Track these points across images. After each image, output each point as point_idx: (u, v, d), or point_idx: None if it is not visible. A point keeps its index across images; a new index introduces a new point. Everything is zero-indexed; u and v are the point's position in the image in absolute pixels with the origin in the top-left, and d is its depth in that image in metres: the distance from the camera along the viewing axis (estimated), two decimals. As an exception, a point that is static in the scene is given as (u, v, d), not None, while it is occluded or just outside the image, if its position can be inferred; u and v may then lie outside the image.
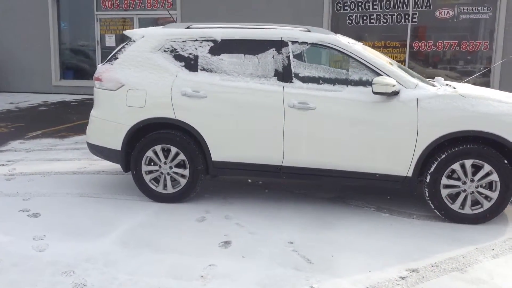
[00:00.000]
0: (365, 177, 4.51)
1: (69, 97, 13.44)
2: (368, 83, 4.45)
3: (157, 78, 4.74)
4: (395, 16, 11.52)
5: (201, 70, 4.72)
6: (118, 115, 4.81)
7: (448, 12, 11.17)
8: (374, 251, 3.80)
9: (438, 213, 4.42)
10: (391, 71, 4.43)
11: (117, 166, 6.04)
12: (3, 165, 6.23)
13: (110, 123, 4.85)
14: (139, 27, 13.48)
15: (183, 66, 4.75)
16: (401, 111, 4.33)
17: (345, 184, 4.76)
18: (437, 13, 11.25)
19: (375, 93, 4.27)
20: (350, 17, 11.86)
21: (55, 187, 5.28)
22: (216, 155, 4.68)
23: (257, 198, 5.00)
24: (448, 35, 11.32)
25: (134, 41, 4.93)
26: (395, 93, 4.32)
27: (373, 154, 4.41)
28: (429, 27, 11.45)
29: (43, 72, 14.27)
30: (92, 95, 5.18)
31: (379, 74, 4.41)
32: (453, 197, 4.38)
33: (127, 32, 5.11)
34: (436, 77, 5.00)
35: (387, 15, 11.59)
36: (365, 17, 11.75)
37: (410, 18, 11.44)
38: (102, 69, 4.92)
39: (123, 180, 5.59)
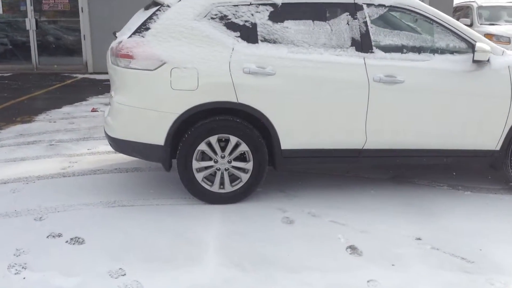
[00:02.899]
0: (452, 155, 4.13)
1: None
2: (455, 51, 4.01)
3: (209, 52, 3.79)
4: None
5: (262, 41, 3.87)
6: (160, 101, 3.79)
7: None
8: (505, 236, 3.45)
9: (522, 185, 4.20)
10: (478, 36, 4.02)
11: (111, 162, 4.95)
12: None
13: (148, 112, 3.81)
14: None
15: (238, 36, 3.85)
16: (494, 80, 3.98)
17: (424, 164, 4.33)
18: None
19: (475, 61, 3.85)
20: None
21: (60, 198, 4.08)
22: (286, 142, 3.93)
23: (316, 187, 4.36)
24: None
25: (168, 6, 3.88)
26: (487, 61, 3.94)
27: (463, 128, 4.03)
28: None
29: None
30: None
31: (465, 40, 3.99)
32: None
33: (156, -5, 4.04)
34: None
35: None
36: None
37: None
38: (131, 43, 3.81)
39: (136, 179, 4.54)
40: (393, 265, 3.08)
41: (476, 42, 3.93)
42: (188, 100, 3.76)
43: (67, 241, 3.36)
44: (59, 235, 3.44)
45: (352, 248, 3.28)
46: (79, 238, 3.40)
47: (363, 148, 4.00)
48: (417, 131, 3.99)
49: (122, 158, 5.13)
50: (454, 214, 3.83)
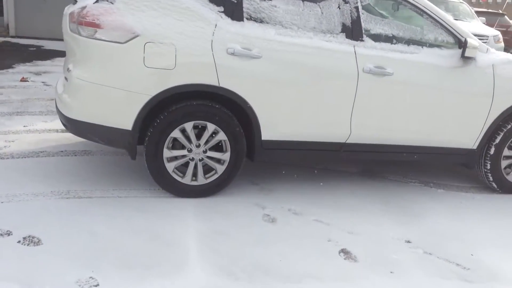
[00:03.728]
0: (431, 152, 4.02)
1: None
2: (443, 45, 3.87)
3: (189, 27, 3.34)
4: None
5: (247, 19, 3.49)
6: (131, 80, 3.30)
7: None
8: (490, 240, 3.40)
9: (495, 186, 4.20)
10: (466, 32, 3.90)
11: (54, 142, 4.37)
12: None
13: (115, 91, 3.30)
14: None
15: (222, 12, 3.44)
16: (478, 78, 3.90)
17: (401, 160, 4.20)
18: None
19: (464, 57, 3.73)
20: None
21: (1, 185, 3.49)
22: (268, 133, 3.60)
23: (290, 180, 4.09)
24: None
25: (143, -29, 3.37)
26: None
27: (445, 126, 3.93)
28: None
29: None
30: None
31: (453, 35, 3.86)
32: (507, 168, 4.21)
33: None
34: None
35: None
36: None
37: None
38: (98, 10, 3.27)
39: (88, 165, 4.01)
40: (391, 272, 2.90)
41: (464, 37, 3.80)
42: (164, 80, 3.31)
43: (19, 241, 2.83)
44: (8, 233, 2.90)
45: (345, 253, 3.06)
46: (33, 238, 2.88)
47: (346, 142, 3.77)
48: (401, 127, 3.83)
49: (66, 137, 4.55)
50: (435, 214, 3.73)
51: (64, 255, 2.73)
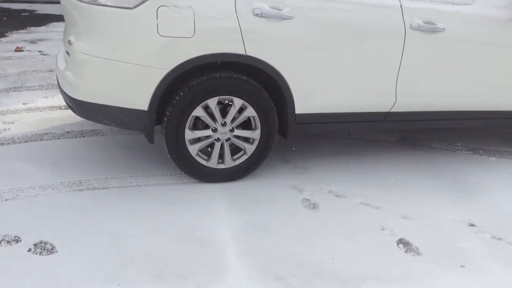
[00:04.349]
0: (486, 117, 3.56)
1: None
2: (499, -7, 3.33)
3: (208, -14, 2.83)
4: None
5: (275, -27, 2.96)
6: (144, 52, 2.82)
7: None
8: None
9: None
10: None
11: (58, 122, 3.93)
12: None
13: (126, 67, 2.83)
14: None
15: (245, -34, 2.91)
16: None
17: (450, 127, 3.75)
18: None
19: (528, 8, 3.21)
20: None
21: (4, 178, 3.07)
22: (302, 105, 3.14)
23: (323, 154, 3.66)
24: None
25: None
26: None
27: (503, 86, 3.45)
28: None
29: None
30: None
31: (511, -19, 3.32)
32: None
33: None
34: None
35: None
36: None
37: None
38: (100, -30, 2.75)
39: (99, 147, 3.58)
40: (462, 266, 2.50)
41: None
42: (181, 51, 2.83)
43: (30, 250, 2.43)
44: (16, 240, 2.50)
45: (404, 244, 2.66)
46: (46, 244, 2.48)
47: (390, 111, 3.31)
48: (455, 91, 3.36)
49: (70, 115, 4.06)
50: (494, 189, 3.31)
51: (83, 264, 2.34)
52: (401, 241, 2.67)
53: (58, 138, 3.71)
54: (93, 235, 2.55)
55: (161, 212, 2.80)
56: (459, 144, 3.99)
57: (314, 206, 2.98)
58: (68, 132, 3.82)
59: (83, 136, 3.76)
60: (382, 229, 2.77)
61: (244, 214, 2.83)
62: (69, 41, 3.00)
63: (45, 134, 3.76)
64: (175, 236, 2.59)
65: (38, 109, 4.26)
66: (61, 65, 3.14)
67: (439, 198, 3.16)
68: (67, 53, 3.06)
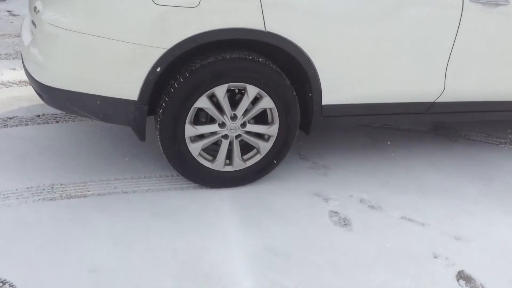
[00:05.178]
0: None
1: None
2: None
3: None
4: None
5: None
6: (133, 25, 2.15)
7: None
8: None
9: None
10: None
11: (28, 102, 3.26)
12: None
13: (110, 44, 2.15)
14: None
15: None
16: None
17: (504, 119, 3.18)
18: None
19: None
20: None
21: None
22: (331, 95, 2.52)
23: (345, 149, 3.08)
24: None
25: None
26: None
27: None
28: None
29: None
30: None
31: None
32: None
33: None
34: None
35: None
36: None
37: None
38: None
39: (80, 137, 2.95)
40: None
41: None
42: (183, 25, 2.16)
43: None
44: None
45: (466, 279, 2.11)
46: (3, 285, 1.87)
47: (436, 101, 2.71)
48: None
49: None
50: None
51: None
52: (461, 276, 2.12)
53: (26, 124, 3.05)
54: (67, 269, 1.94)
55: (155, 231, 2.20)
56: (499, 136, 3.43)
57: (345, 223, 2.41)
58: (39, 116, 3.16)
59: (57, 122, 3.12)
60: (434, 257, 2.21)
61: (260, 233, 2.25)
62: (35, 7, 2.31)
63: (9, 118, 3.10)
64: (175, 269, 2.01)
65: (3, 84, 3.58)
66: (26, 38, 2.45)
67: (491, 209, 2.61)
68: (33, 23, 2.37)
